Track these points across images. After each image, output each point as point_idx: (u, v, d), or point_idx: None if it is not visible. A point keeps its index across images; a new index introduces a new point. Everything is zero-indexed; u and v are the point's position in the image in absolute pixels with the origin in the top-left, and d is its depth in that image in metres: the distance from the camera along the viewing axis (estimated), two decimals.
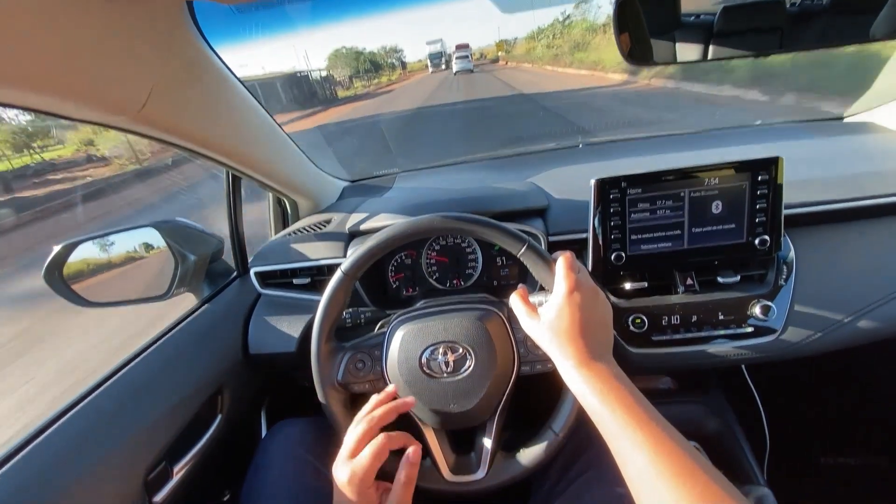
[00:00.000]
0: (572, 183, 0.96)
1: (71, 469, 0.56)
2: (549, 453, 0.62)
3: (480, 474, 0.64)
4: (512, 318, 0.66)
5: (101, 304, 0.91)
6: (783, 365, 0.78)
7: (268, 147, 0.83)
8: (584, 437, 0.68)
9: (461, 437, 0.68)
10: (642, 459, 0.43)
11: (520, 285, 0.62)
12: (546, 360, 0.62)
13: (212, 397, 0.79)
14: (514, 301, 0.60)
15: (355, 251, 0.64)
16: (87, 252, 0.90)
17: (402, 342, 0.65)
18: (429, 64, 48.63)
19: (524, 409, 0.72)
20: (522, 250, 0.61)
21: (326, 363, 0.65)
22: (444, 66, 48.45)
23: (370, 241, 0.63)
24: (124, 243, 0.93)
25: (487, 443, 0.65)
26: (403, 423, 0.67)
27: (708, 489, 0.39)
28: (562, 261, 0.57)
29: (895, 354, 1.14)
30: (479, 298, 0.71)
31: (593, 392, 0.49)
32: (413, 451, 0.56)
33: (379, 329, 0.72)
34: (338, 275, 0.64)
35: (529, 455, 0.63)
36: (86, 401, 0.64)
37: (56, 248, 0.85)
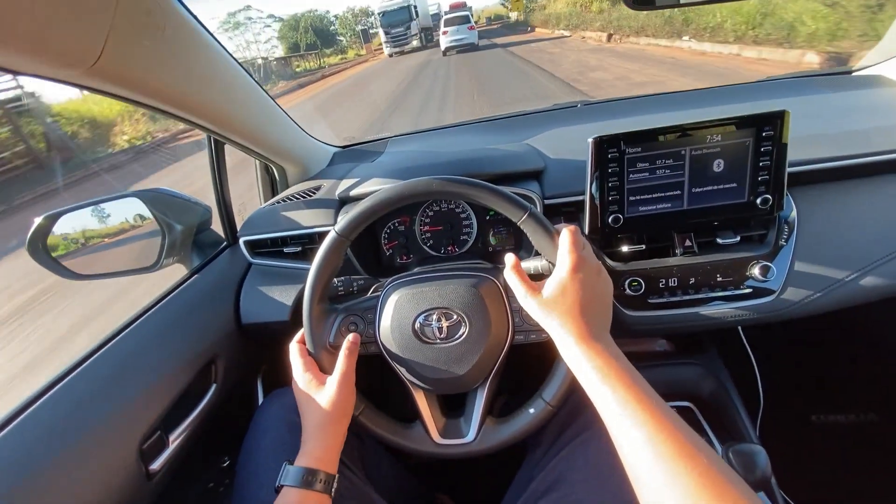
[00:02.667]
0: (570, 144, 0.92)
1: (63, 439, 0.56)
2: (538, 422, 0.62)
3: (469, 438, 0.64)
4: (507, 286, 0.65)
5: (87, 275, 0.89)
6: (779, 325, 0.77)
7: (249, 109, 0.79)
8: (578, 401, 0.68)
9: (452, 401, 0.68)
10: (641, 438, 0.42)
11: (511, 256, 0.59)
12: (540, 330, 0.61)
13: (205, 367, 0.78)
14: (510, 276, 0.58)
15: (349, 212, 0.61)
16: (70, 223, 0.88)
17: (395, 306, 0.64)
18: (383, 38, 25.36)
19: (516, 376, 0.72)
20: (523, 218, 0.58)
21: (318, 325, 0.64)
22: (417, 42, 25.22)
23: (365, 203, 0.61)
24: (107, 214, 0.90)
25: (478, 408, 0.65)
26: (395, 385, 0.67)
27: (707, 472, 0.38)
28: (567, 235, 0.55)
29: (885, 311, 1.15)
30: (475, 265, 0.70)
31: (593, 369, 0.49)
32: (354, 335, 0.64)
33: (373, 293, 0.71)
34: (331, 235, 0.62)
35: (519, 423, 0.63)
36: (76, 372, 0.63)
37: (38, 220, 0.83)
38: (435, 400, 0.67)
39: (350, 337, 0.63)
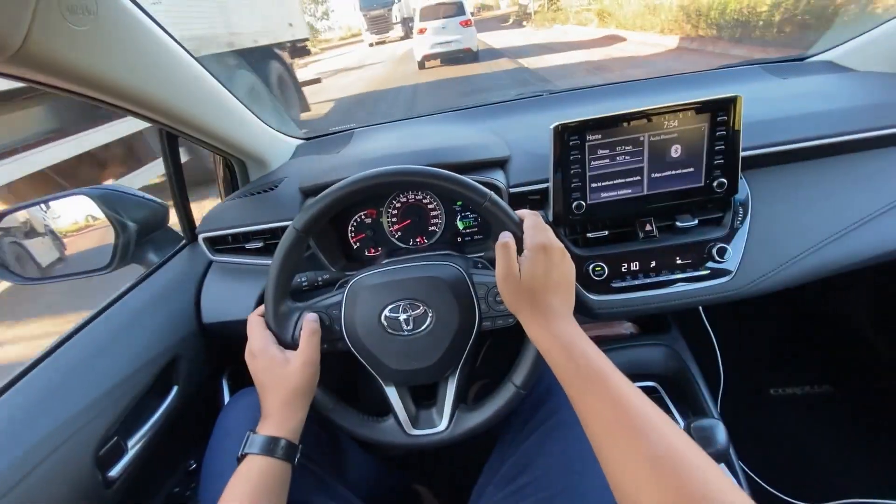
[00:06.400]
0: (534, 132, 0.93)
1: (11, 449, 0.53)
2: (509, 407, 0.62)
3: (441, 428, 0.65)
4: (472, 273, 0.64)
5: (37, 279, 0.85)
6: (737, 303, 0.80)
7: (202, 100, 0.76)
8: (544, 388, 0.69)
9: (422, 392, 0.68)
10: (607, 413, 0.43)
11: (507, 233, 0.57)
12: (507, 315, 0.61)
13: (166, 369, 0.76)
14: (500, 251, 0.56)
15: (309, 206, 0.60)
16: (14, 223, 0.84)
17: (360, 301, 0.63)
18: None
19: (484, 361, 0.72)
20: (484, 204, 0.58)
21: (282, 325, 0.63)
22: None
23: (324, 196, 0.59)
24: (54, 212, 0.86)
25: (449, 397, 0.65)
26: (365, 377, 0.66)
27: (671, 445, 0.40)
28: (531, 219, 0.57)
29: (835, 288, 1.21)
30: (439, 255, 0.69)
31: (561, 348, 0.50)
32: (309, 315, 0.63)
33: (337, 289, 0.70)
34: (290, 232, 0.60)
35: (490, 409, 0.63)
36: (27, 377, 0.60)
37: None
38: (406, 392, 0.67)
39: (309, 316, 0.62)
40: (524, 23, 18.41)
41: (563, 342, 0.50)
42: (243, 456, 0.55)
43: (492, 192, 0.59)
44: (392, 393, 0.66)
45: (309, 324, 0.62)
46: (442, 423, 0.65)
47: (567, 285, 0.56)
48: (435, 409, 0.66)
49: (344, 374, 0.70)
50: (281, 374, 0.59)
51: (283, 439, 0.56)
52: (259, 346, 0.60)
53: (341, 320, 0.64)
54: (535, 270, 0.53)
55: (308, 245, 0.65)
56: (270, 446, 0.55)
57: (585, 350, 0.49)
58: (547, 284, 0.53)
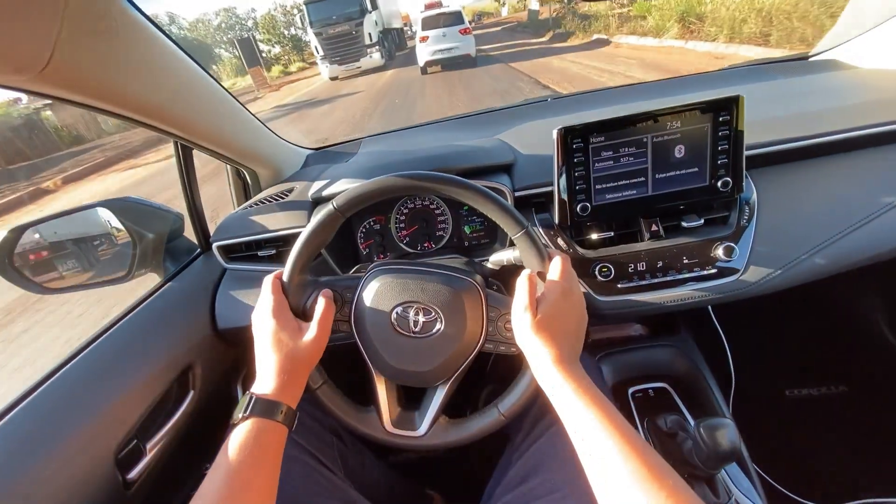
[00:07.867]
0: (539, 137, 0.94)
1: (35, 451, 0.55)
2: (487, 430, 0.63)
3: (420, 433, 0.65)
4: (489, 294, 0.64)
5: (57, 289, 0.88)
6: (749, 303, 0.80)
7: (216, 113, 0.78)
8: None
9: (409, 394, 0.68)
10: (615, 459, 0.44)
11: (530, 273, 0.59)
12: (510, 343, 0.61)
13: (182, 374, 0.78)
14: (521, 284, 0.58)
15: (351, 189, 0.60)
16: (36, 236, 0.87)
17: (377, 292, 0.63)
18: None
19: (476, 378, 0.72)
20: (520, 234, 0.59)
21: (297, 293, 0.63)
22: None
23: (367, 183, 0.60)
24: (75, 225, 0.89)
25: (434, 405, 0.65)
26: (358, 368, 0.67)
27: (675, 493, 0.40)
28: (559, 262, 0.58)
29: (849, 287, 1.19)
30: (460, 266, 0.69)
31: (569, 390, 0.51)
32: (325, 291, 0.63)
33: (354, 272, 0.70)
34: (328, 208, 0.60)
35: (470, 427, 0.64)
36: (50, 381, 0.63)
37: (2, 234, 0.81)
38: (394, 389, 0.67)
39: (324, 292, 0.63)
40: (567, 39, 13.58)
41: (570, 385, 0.51)
42: (245, 417, 0.52)
43: (530, 224, 0.59)
44: (381, 387, 0.66)
45: (323, 300, 0.62)
46: (421, 428, 0.65)
47: (580, 332, 0.57)
48: (417, 413, 0.66)
49: (337, 357, 0.69)
50: (292, 341, 0.59)
51: (283, 403, 0.55)
52: (276, 308, 0.60)
53: (353, 304, 0.64)
54: (552, 312, 0.55)
55: (319, 252, 0.65)
56: (272, 409, 0.54)
57: (593, 396, 0.50)
58: (562, 328, 0.55)
